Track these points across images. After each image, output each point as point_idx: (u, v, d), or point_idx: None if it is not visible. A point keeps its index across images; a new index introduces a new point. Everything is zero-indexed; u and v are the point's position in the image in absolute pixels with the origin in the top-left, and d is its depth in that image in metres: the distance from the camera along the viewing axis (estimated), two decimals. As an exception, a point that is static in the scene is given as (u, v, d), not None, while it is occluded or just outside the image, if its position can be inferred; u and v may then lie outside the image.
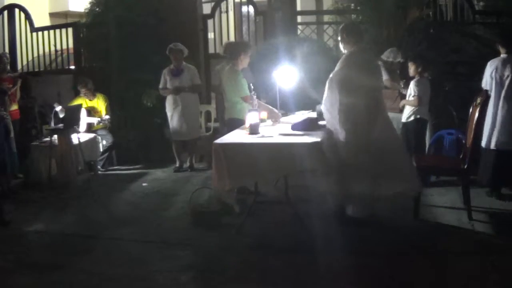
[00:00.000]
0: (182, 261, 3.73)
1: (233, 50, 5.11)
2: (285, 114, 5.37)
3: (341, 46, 4.31)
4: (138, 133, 7.14)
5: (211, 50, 7.86)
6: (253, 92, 4.92)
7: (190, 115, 6.52)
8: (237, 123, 4.89)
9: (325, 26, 7.88)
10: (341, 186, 3.99)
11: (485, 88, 4.87)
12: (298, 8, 8.70)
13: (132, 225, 4.56)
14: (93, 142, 6.47)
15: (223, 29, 8.04)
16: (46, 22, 10.76)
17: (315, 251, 3.75)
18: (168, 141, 6.76)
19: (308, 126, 4.32)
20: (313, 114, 5.10)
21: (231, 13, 7.90)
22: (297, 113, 5.38)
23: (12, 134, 5.84)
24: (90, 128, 6.69)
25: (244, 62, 5.10)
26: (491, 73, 4.84)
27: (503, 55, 4.86)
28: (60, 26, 8.17)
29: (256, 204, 4.30)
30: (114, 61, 7.15)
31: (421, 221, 4.27)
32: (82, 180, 6.02)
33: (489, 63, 4.94)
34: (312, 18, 8.73)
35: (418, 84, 5.33)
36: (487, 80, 4.90)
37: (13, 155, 5.81)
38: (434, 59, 6.12)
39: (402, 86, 5.67)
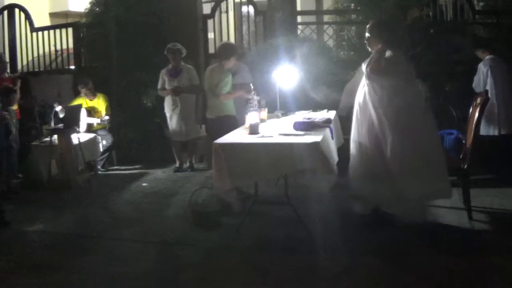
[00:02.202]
0: (182, 261, 3.73)
1: (229, 51, 5.21)
2: (285, 114, 5.37)
3: (367, 44, 4.29)
4: (138, 133, 7.14)
5: (211, 50, 7.86)
6: (253, 92, 4.92)
7: (189, 115, 6.49)
8: (232, 120, 5.06)
9: (325, 26, 7.88)
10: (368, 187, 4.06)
11: (476, 87, 5.66)
12: (298, 8, 8.69)
13: (132, 225, 4.57)
14: (93, 142, 6.47)
15: (223, 29, 8.04)
16: (46, 22, 10.77)
17: (315, 251, 3.75)
18: (168, 141, 6.76)
19: (308, 126, 4.33)
20: (314, 114, 5.11)
21: (231, 13, 7.90)
22: (297, 113, 5.38)
23: (12, 134, 5.84)
24: (90, 128, 6.69)
25: (231, 64, 5.24)
26: (487, 72, 5.62)
27: (489, 57, 5.73)
28: (60, 26, 8.17)
29: (256, 204, 4.30)
30: (114, 61, 7.16)
31: (421, 221, 4.26)
32: (82, 180, 6.02)
33: (481, 65, 5.73)
34: (312, 18, 8.73)
35: None
36: (481, 80, 5.65)
37: (13, 155, 5.81)
38: (433, 59, 6.14)
39: None
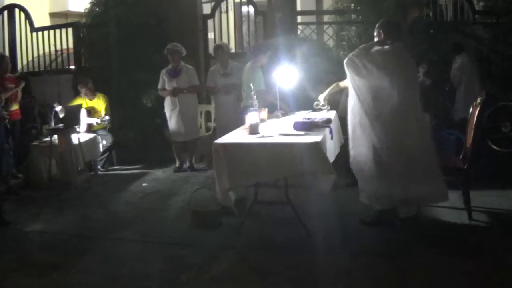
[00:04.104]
0: (182, 261, 3.73)
1: (264, 47, 5.85)
2: (285, 114, 5.37)
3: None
4: (138, 133, 7.13)
5: (211, 50, 7.85)
6: (253, 92, 4.93)
7: (188, 116, 6.51)
8: None
9: (325, 26, 7.87)
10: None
11: (454, 79, 6.15)
12: (298, 8, 8.69)
13: (132, 225, 4.57)
14: (93, 142, 6.47)
15: (223, 29, 8.04)
16: (46, 22, 10.76)
17: (315, 251, 3.75)
18: (168, 141, 6.76)
19: (309, 126, 4.33)
20: (314, 114, 5.11)
21: (231, 13, 7.89)
22: (297, 113, 5.38)
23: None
24: (90, 128, 6.69)
25: (264, 61, 5.72)
26: (460, 67, 6.06)
27: (460, 55, 6.14)
28: (60, 26, 8.17)
29: (256, 204, 4.30)
30: (114, 61, 7.15)
31: (421, 221, 4.27)
32: (82, 180, 6.02)
33: (458, 58, 6.11)
34: (312, 18, 8.72)
35: None
36: (459, 71, 6.07)
37: (10, 154, 5.81)
38: (434, 59, 6.15)
39: None
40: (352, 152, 4.25)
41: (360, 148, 4.15)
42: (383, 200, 4.13)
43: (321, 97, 5.05)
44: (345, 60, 4.17)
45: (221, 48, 6.34)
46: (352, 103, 4.20)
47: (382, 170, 4.02)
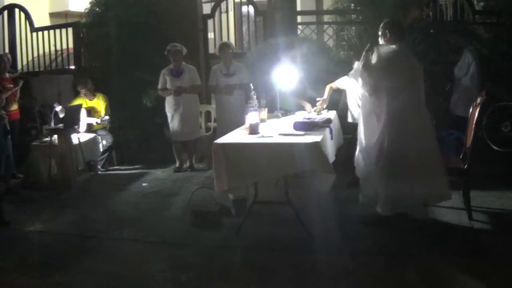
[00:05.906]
0: (182, 261, 3.73)
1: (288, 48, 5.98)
2: (285, 114, 5.37)
3: (381, 42, 4.27)
4: (138, 133, 7.14)
5: (211, 50, 7.86)
6: (253, 92, 4.93)
7: (191, 115, 6.51)
8: None
9: (325, 26, 7.88)
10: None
11: (459, 73, 6.08)
12: (298, 8, 8.69)
13: (132, 225, 4.57)
14: (93, 142, 6.47)
15: (223, 29, 8.04)
16: (46, 22, 10.77)
17: (315, 251, 3.75)
18: (168, 141, 6.76)
19: (309, 126, 4.33)
20: (314, 114, 5.11)
21: (231, 13, 7.90)
22: (297, 113, 5.38)
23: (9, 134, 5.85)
24: (90, 128, 6.69)
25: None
26: (471, 59, 5.97)
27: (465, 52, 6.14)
28: (60, 26, 8.17)
29: (256, 204, 4.30)
30: (114, 61, 7.15)
31: (421, 221, 4.26)
32: (82, 180, 6.03)
33: (467, 52, 6.07)
34: (312, 18, 8.72)
35: None
36: (465, 66, 6.02)
37: (10, 154, 5.81)
38: (434, 59, 6.14)
39: None
40: (359, 152, 4.27)
41: (367, 148, 4.16)
42: (392, 204, 4.11)
43: (320, 103, 5.11)
44: (351, 73, 4.21)
45: (227, 47, 6.32)
46: (361, 106, 4.22)
47: (390, 171, 4.02)
